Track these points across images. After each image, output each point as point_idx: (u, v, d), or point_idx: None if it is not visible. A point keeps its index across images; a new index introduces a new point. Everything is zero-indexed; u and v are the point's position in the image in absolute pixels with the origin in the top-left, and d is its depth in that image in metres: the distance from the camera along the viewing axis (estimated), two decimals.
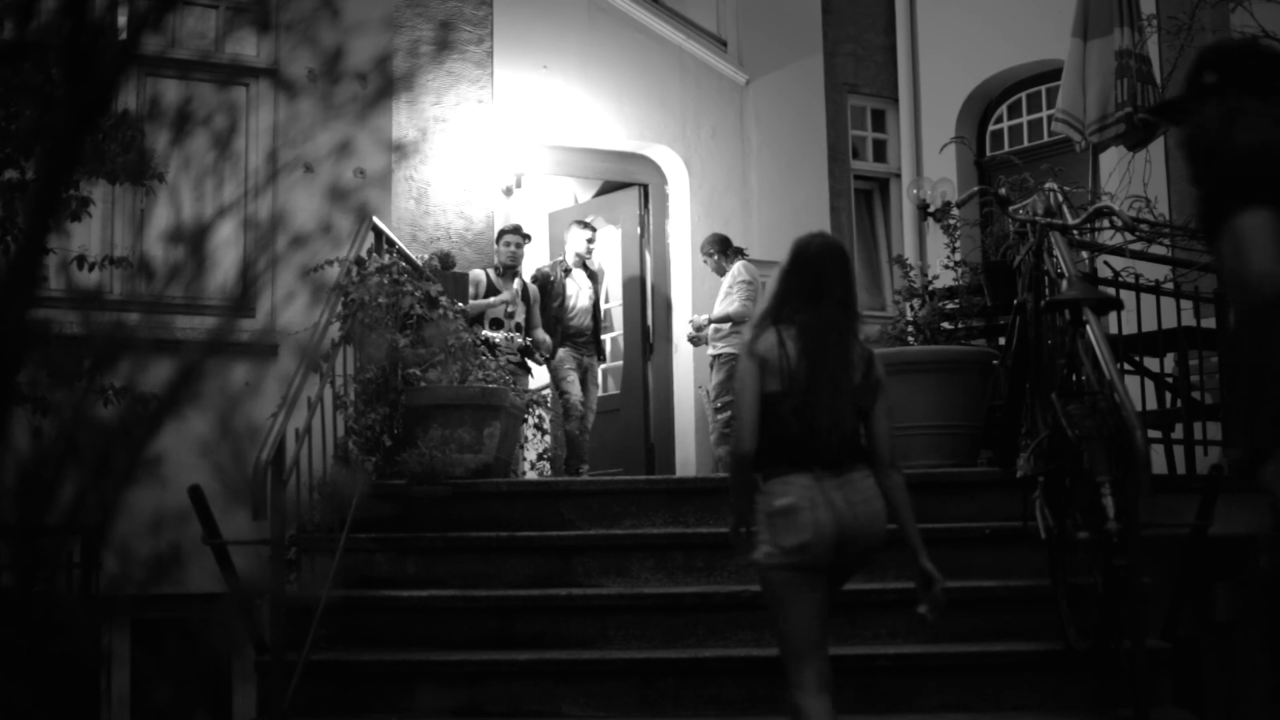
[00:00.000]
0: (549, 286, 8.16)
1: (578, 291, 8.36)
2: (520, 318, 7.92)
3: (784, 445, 3.44)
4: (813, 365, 3.51)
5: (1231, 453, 4.04)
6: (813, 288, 3.61)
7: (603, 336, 8.83)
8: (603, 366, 8.98)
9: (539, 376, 8.13)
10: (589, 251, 8.52)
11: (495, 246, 7.98)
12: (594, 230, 8.63)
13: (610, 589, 4.88)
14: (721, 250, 8.42)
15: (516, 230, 7.98)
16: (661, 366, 9.32)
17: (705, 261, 8.57)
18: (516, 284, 7.91)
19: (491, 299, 7.61)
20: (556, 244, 9.11)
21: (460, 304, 6.34)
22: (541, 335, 7.95)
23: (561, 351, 8.09)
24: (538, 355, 7.88)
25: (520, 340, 7.67)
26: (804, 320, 3.56)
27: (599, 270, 9.06)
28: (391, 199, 7.81)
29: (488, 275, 7.81)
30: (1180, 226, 6.14)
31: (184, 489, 4.14)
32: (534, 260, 8.61)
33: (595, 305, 8.45)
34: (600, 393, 9.13)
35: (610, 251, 9.39)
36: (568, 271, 8.34)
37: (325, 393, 5.14)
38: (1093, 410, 4.15)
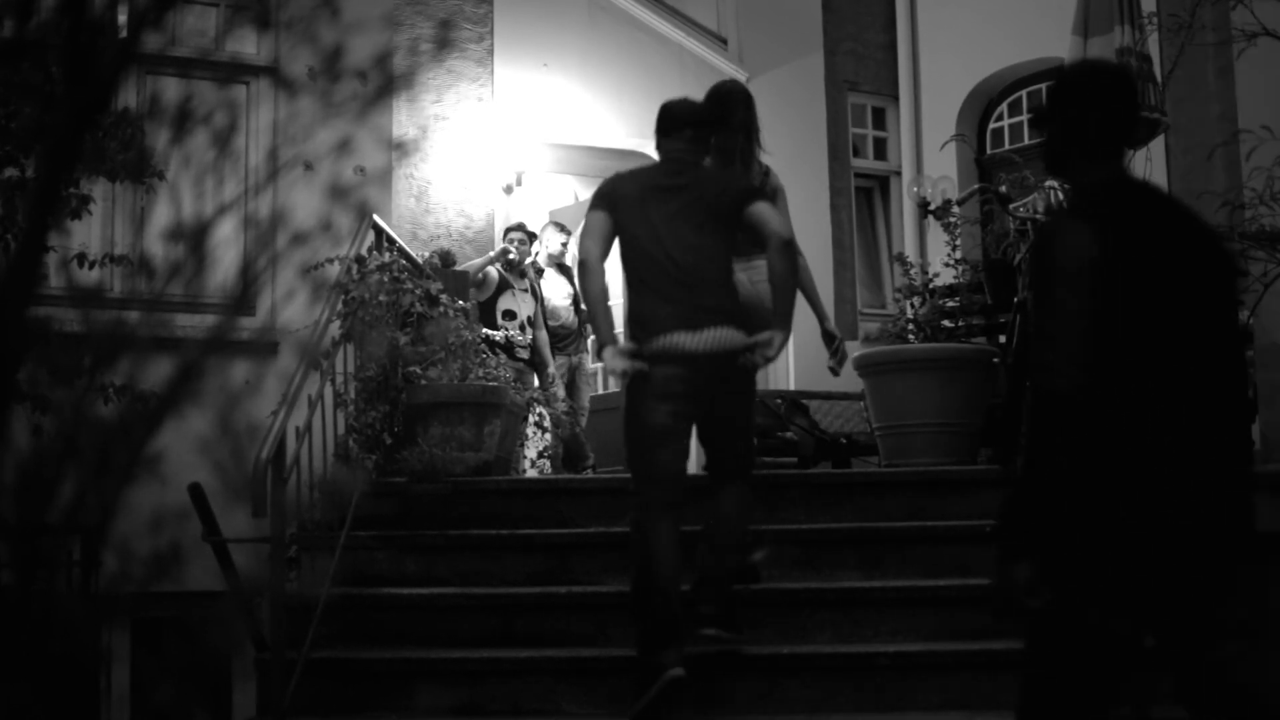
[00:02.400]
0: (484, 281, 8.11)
1: (553, 292, 8.38)
2: (530, 312, 7.94)
3: None
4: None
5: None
6: None
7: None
8: (598, 364, 8.97)
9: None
10: (562, 254, 8.56)
11: (501, 245, 8.02)
12: (569, 234, 8.67)
13: (610, 587, 4.88)
14: None
15: (521, 228, 8.04)
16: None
17: None
18: (525, 282, 7.97)
19: (487, 256, 7.62)
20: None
21: (461, 302, 6.34)
22: (544, 347, 7.97)
23: (545, 354, 8.11)
24: (545, 373, 7.93)
25: (525, 337, 7.69)
26: None
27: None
28: (392, 197, 7.81)
29: (498, 270, 7.85)
30: None
31: (184, 487, 4.14)
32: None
33: (576, 301, 8.46)
34: (600, 390, 9.13)
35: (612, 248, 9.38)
36: (540, 272, 8.36)
37: (326, 391, 5.14)
38: None
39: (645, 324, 4.25)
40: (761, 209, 4.32)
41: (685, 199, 4.32)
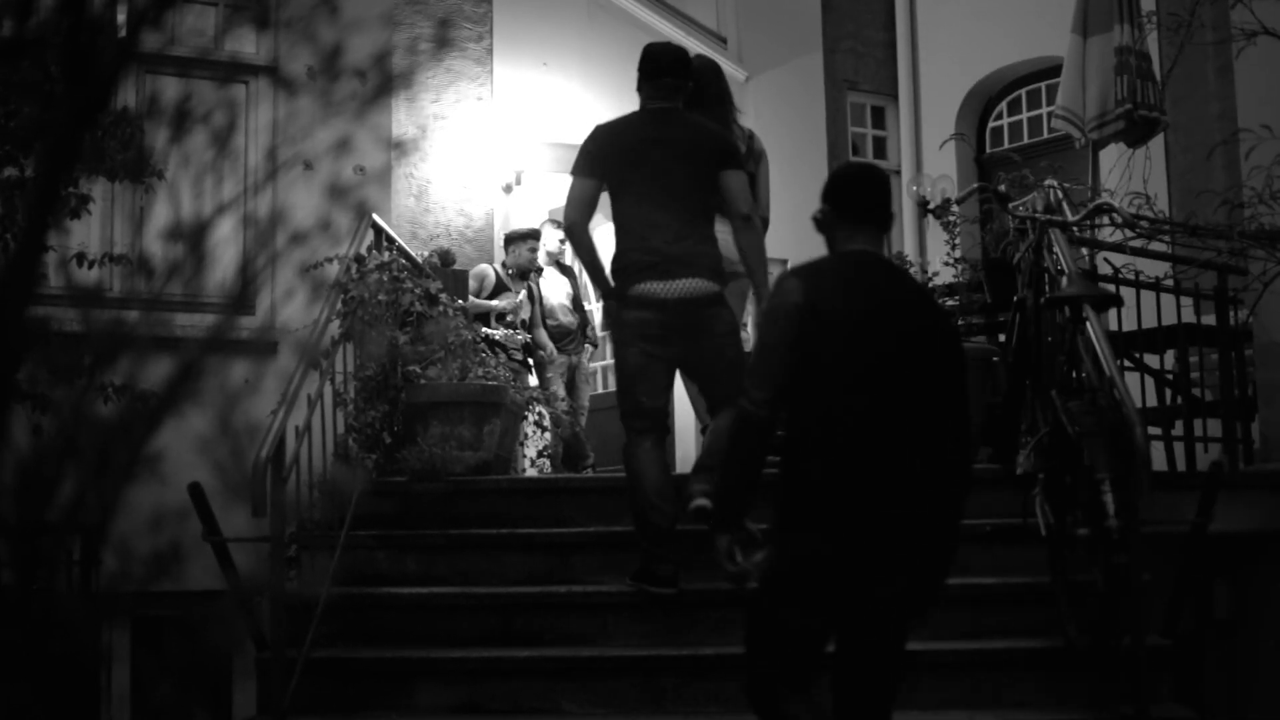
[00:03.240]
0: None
1: (552, 291, 8.39)
2: (525, 315, 7.96)
3: None
4: None
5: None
6: None
7: (598, 332, 8.82)
8: (600, 363, 8.98)
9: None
10: (561, 252, 8.58)
11: (511, 249, 8.03)
12: None
13: (610, 586, 4.88)
14: None
15: (534, 235, 8.09)
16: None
17: None
18: (524, 285, 7.99)
19: (496, 303, 7.64)
20: None
21: (460, 301, 6.34)
22: (543, 337, 7.99)
23: (542, 354, 8.12)
24: (540, 353, 7.93)
25: (522, 337, 7.70)
26: None
27: (576, 267, 9.09)
28: (391, 196, 7.80)
29: (496, 272, 7.86)
30: (1180, 223, 6.14)
31: (184, 486, 4.14)
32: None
33: (575, 302, 8.47)
34: (600, 389, 9.14)
35: (611, 247, 9.37)
36: (540, 271, 8.37)
37: (325, 390, 5.14)
38: (1093, 407, 4.15)
39: (624, 271, 4.66)
40: (729, 179, 4.63)
41: (665, 152, 4.63)
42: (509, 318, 7.61)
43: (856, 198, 3.27)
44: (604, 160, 4.67)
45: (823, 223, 3.29)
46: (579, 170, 4.71)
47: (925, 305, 3.31)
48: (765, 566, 3.15)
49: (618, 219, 4.75)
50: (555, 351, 8.12)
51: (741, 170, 4.75)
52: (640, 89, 4.77)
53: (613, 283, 4.73)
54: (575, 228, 4.75)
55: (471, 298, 7.43)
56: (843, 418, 3.03)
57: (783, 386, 3.10)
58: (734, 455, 3.27)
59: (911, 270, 6.33)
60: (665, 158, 4.61)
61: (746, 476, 3.20)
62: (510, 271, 7.98)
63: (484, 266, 7.86)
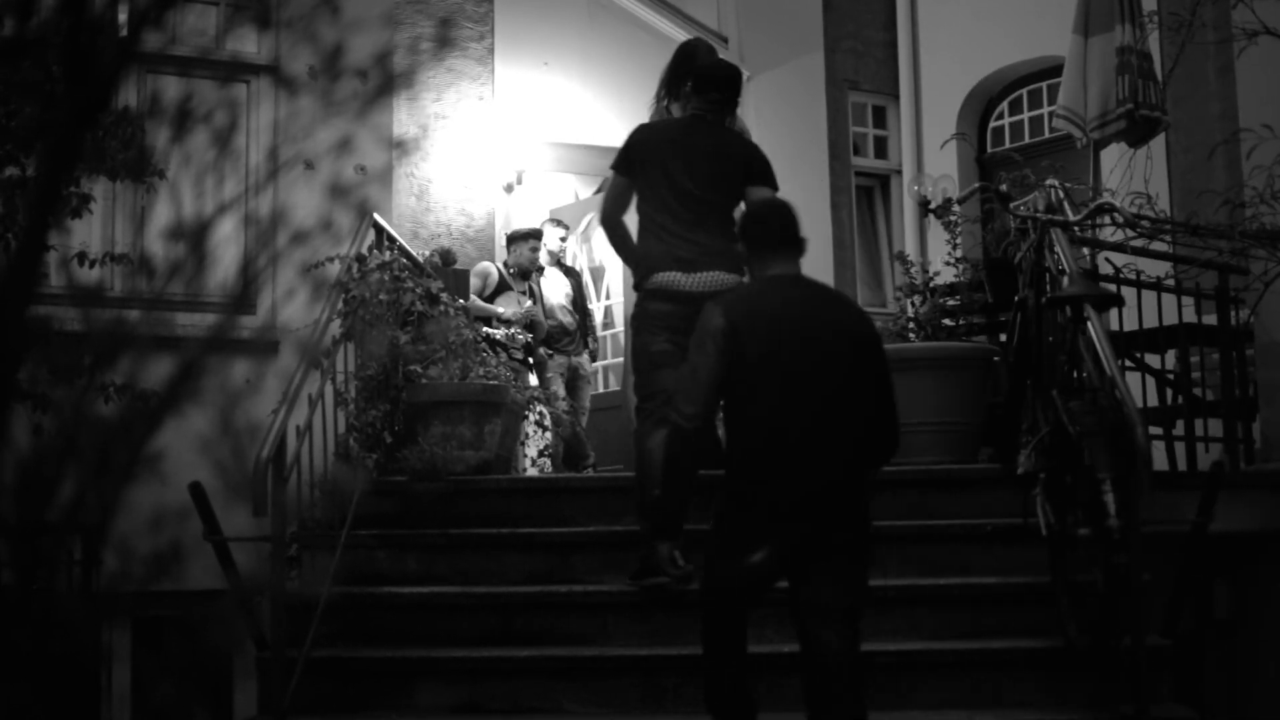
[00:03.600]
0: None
1: (552, 291, 8.39)
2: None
3: None
4: None
5: None
6: None
7: (599, 333, 8.82)
8: (602, 363, 8.98)
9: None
10: (562, 250, 8.58)
11: (513, 248, 8.03)
12: (567, 228, 8.69)
13: (611, 586, 4.88)
14: None
15: (537, 235, 8.08)
16: None
17: None
18: (526, 285, 8.00)
19: (503, 311, 7.65)
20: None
21: (461, 300, 6.34)
22: (540, 318, 8.00)
23: (541, 353, 8.12)
24: (540, 352, 7.93)
25: (523, 337, 7.70)
26: None
27: (578, 267, 9.09)
28: (392, 196, 7.81)
29: (500, 270, 7.86)
30: (1181, 223, 6.13)
31: (184, 486, 4.14)
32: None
33: (575, 302, 8.46)
34: (602, 389, 9.13)
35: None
36: (540, 270, 8.37)
37: (326, 390, 5.14)
38: (1094, 407, 4.15)
39: (647, 260, 4.84)
40: (755, 195, 4.80)
41: (700, 156, 4.85)
42: (514, 329, 7.62)
43: (763, 233, 3.77)
44: (641, 159, 4.92)
45: (743, 257, 3.88)
46: (618, 167, 5.04)
47: (841, 311, 3.74)
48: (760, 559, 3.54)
49: (643, 214, 4.91)
50: (544, 326, 8.09)
51: (768, 187, 4.87)
52: (690, 97, 5.08)
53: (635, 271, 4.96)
54: (611, 221, 5.04)
55: (474, 296, 7.44)
56: (767, 418, 3.51)
57: (710, 402, 3.62)
58: (669, 467, 3.85)
59: (912, 269, 6.33)
60: (697, 161, 4.83)
61: (682, 484, 3.79)
62: (512, 271, 8.00)
63: (486, 264, 7.86)
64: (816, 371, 3.53)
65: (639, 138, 5.03)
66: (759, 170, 4.91)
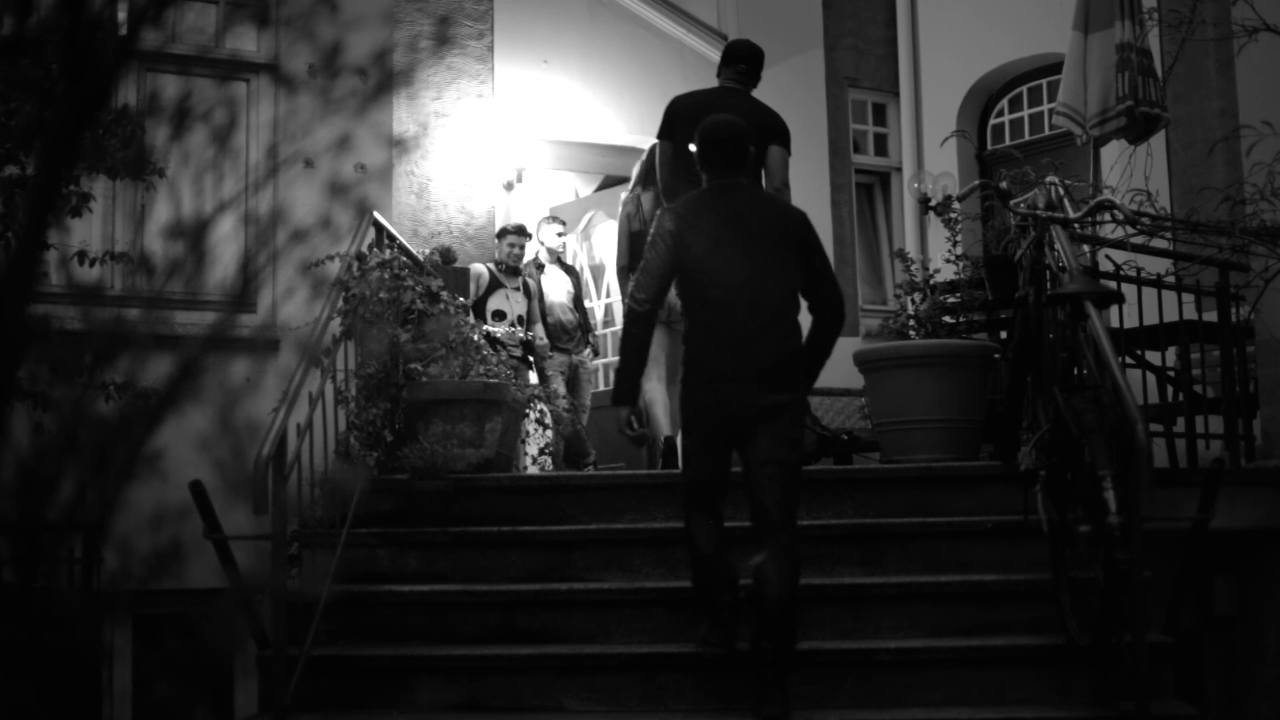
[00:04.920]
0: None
1: (553, 288, 8.37)
2: (521, 311, 7.95)
3: None
4: None
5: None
6: None
7: (597, 331, 8.82)
8: (602, 361, 8.97)
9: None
10: (562, 247, 8.57)
11: (498, 244, 8.01)
12: (564, 224, 8.68)
13: (611, 584, 4.88)
14: None
15: (520, 231, 8.03)
16: None
17: None
18: (519, 279, 7.97)
19: (495, 330, 7.65)
20: None
21: (461, 299, 6.34)
22: (539, 334, 7.99)
23: (538, 344, 8.11)
24: (538, 344, 7.92)
25: (521, 334, 7.69)
26: None
27: (578, 265, 9.08)
28: (392, 194, 7.80)
29: (490, 270, 7.85)
30: (1182, 220, 6.13)
31: (185, 484, 4.14)
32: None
33: (577, 300, 8.46)
34: (601, 387, 9.13)
35: (611, 246, 9.38)
36: (541, 268, 8.36)
37: (326, 388, 5.13)
38: (1094, 404, 4.14)
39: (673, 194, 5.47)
40: (772, 153, 5.77)
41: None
42: (506, 322, 7.60)
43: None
44: (676, 124, 5.81)
45: (697, 169, 4.52)
46: (662, 134, 5.96)
47: (771, 209, 4.49)
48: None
49: (685, 169, 5.48)
50: (546, 346, 8.09)
51: (783, 148, 5.84)
52: (719, 72, 6.17)
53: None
54: (671, 190, 5.71)
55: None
56: (709, 300, 4.24)
57: (659, 290, 4.32)
58: (626, 343, 4.42)
59: (912, 267, 6.34)
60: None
61: (638, 358, 4.42)
62: (502, 268, 7.95)
63: (478, 266, 7.85)
64: (747, 258, 4.23)
65: (676, 105, 5.98)
66: (777, 131, 5.83)
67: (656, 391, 7.56)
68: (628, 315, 4.39)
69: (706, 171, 4.41)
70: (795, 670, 4.27)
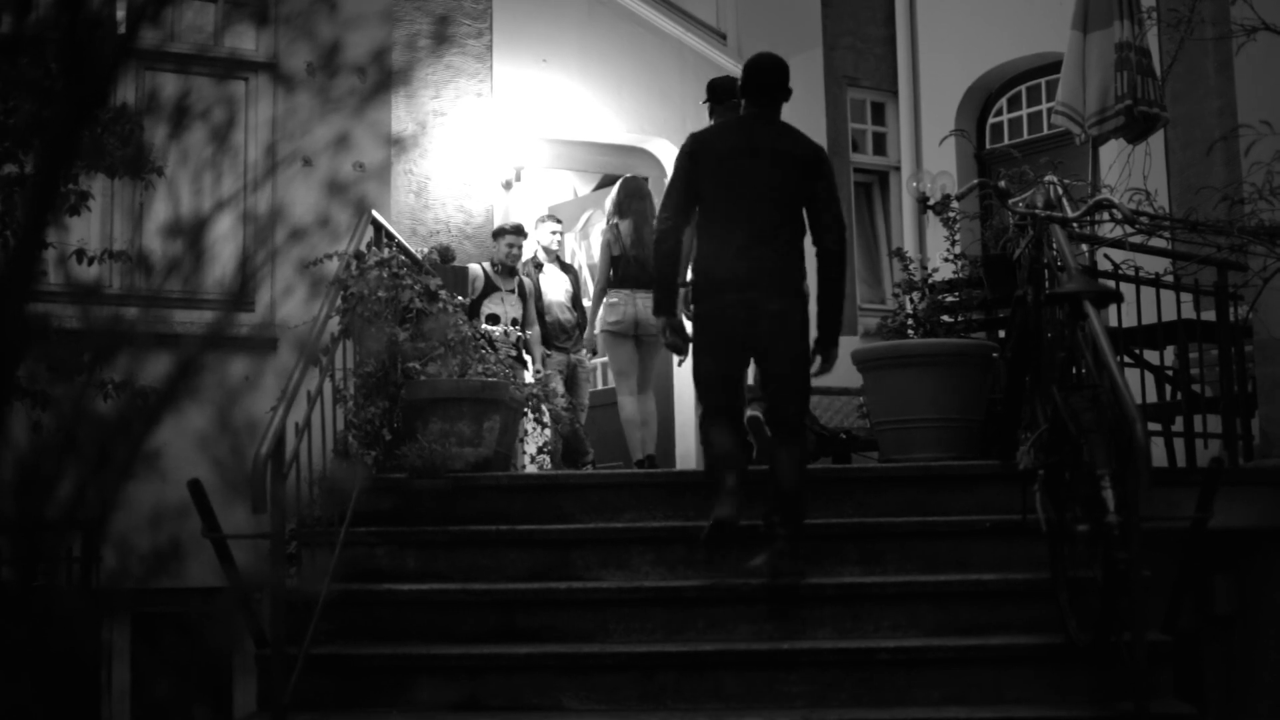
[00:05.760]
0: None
1: (551, 288, 8.36)
2: (516, 314, 7.93)
3: None
4: None
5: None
6: None
7: (596, 330, 8.79)
8: (600, 360, 8.96)
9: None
10: (559, 245, 8.56)
11: (495, 244, 8.00)
12: (559, 223, 8.67)
13: (610, 582, 4.88)
14: None
15: (517, 230, 8.01)
16: (661, 359, 9.31)
17: None
18: (515, 280, 7.96)
19: (493, 331, 7.64)
20: None
21: (460, 298, 6.33)
22: (534, 337, 7.98)
23: (529, 335, 8.10)
24: (529, 332, 7.92)
25: (517, 334, 7.68)
26: None
27: (576, 265, 9.07)
28: (390, 193, 7.80)
29: (485, 271, 7.84)
30: (1180, 219, 6.14)
31: (183, 483, 4.13)
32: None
33: (575, 299, 8.45)
34: (600, 386, 9.13)
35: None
36: (539, 267, 8.35)
37: (325, 386, 5.13)
38: (1093, 403, 4.14)
39: None
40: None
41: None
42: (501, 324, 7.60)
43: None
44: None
45: (736, 99, 5.07)
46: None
47: (789, 139, 4.98)
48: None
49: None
50: (537, 352, 8.09)
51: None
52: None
53: None
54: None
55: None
56: (719, 217, 4.80)
57: (680, 209, 4.90)
58: (658, 260, 4.94)
59: (910, 266, 6.34)
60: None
61: (670, 272, 4.99)
62: (498, 269, 7.93)
63: (474, 267, 7.83)
64: (755, 179, 4.81)
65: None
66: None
67: (628, 405, 7.58)
68: (657, 234, 4.94)
69: (746, 95, 5.03)
70: (792, 669, 4.29)
